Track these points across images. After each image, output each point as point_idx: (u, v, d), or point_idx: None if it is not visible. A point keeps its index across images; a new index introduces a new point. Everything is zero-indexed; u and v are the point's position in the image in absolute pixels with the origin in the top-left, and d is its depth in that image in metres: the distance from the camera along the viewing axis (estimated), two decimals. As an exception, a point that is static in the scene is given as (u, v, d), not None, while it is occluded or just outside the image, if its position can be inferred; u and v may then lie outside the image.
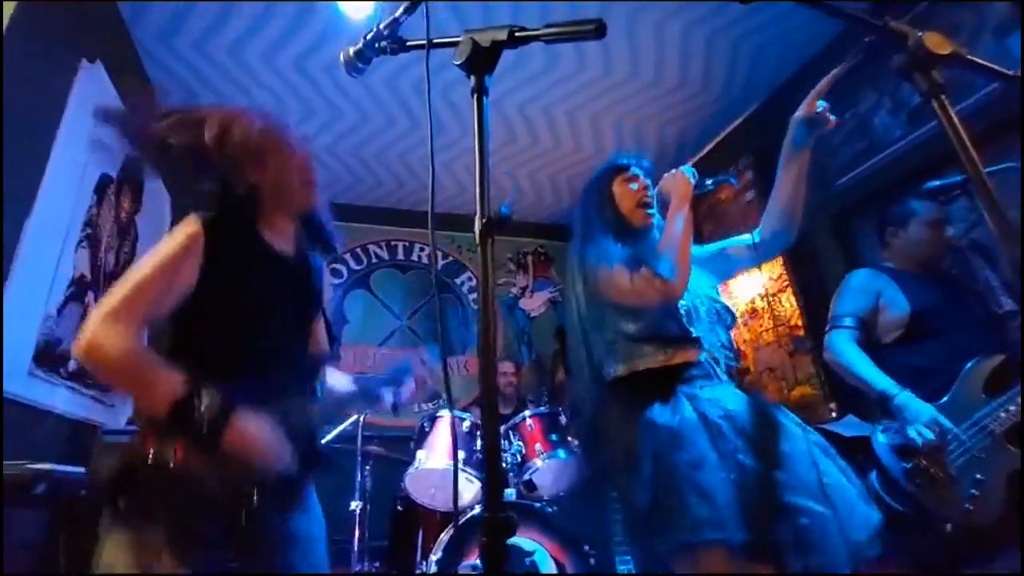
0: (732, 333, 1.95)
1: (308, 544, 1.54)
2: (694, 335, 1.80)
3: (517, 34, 0.95)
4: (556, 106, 4.59)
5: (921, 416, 2.20)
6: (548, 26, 0.93)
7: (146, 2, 3.47)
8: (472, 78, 0.96)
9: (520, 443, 3.20)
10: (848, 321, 2.55)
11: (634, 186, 2.01)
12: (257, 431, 1.32)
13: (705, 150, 5.16)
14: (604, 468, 1.80)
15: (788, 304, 4.22)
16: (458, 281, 6.12)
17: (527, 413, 3.30)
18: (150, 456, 1.29)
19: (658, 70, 4.22)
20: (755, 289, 4.54)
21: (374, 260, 5.99)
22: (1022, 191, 1.94)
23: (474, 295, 6.02)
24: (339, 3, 3.48)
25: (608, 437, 1.77)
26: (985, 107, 2.81)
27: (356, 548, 3.23)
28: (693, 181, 1.88)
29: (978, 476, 2.09)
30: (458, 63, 0.97)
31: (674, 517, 1.53)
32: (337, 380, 1.80)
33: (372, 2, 3.44)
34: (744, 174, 4.64)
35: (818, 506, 1.46)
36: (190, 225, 1.42)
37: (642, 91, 4.43)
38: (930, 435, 2.15)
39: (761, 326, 4.47)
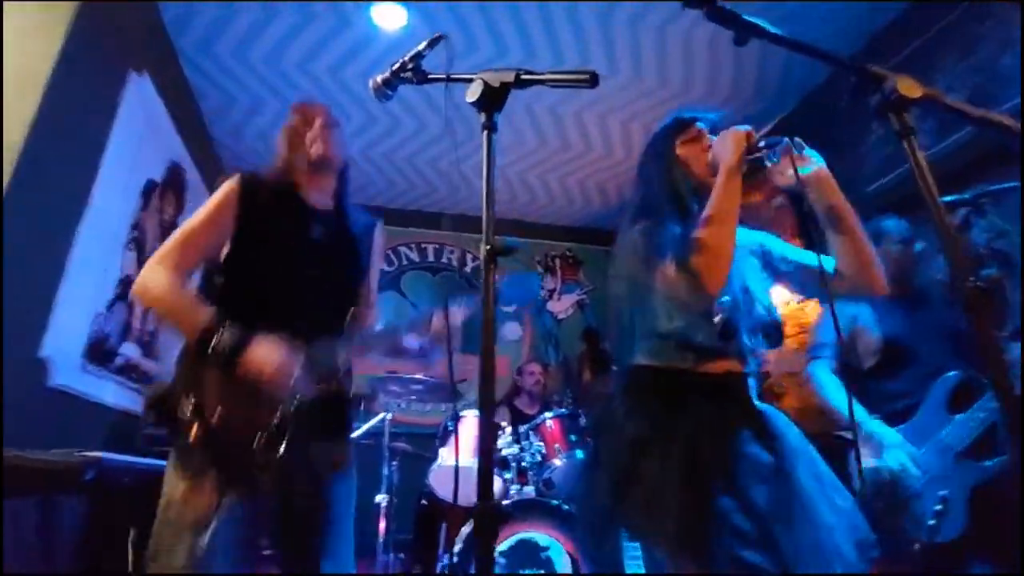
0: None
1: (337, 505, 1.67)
2: (731, 347, 1.58)
3: (523, 77, 1.04)
4: (586, 111, 4.65)
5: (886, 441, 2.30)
6: (551, 72, 1.04)
7: (189, 1, 3.61)
8: (482, 115, 1.06)
9: (540, 443, 3.32)
10: (826, 351, 2.65)
11: (700, 148, 1.70)
12: (270, 355, 1.47)
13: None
14: (596, 455, 1.69)
15: (813, 312, 4.21)
16: (486, 282, 6.19)
17: (548, 415, 3.40)
18: (189, 400, 1.48)
19: (686, 78, 4.25)
20: (779, 296, 4.52)
21: (405, 262, 6.12)
22: (1022, 211, 1.96)
23: (503, 296, 6.10)
24: (373, 13, 3.59)
25: (609, 426, 1.64)
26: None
27: (382, 539, 3.36)
28: (747, 142, 1.53)
29: (941, 492, 2.14)
30: (470, 101, 1.07)
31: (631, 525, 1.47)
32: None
33: (405, 11, 3.56)
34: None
35: (774, 568, 1.28)
36: (229, 182, 1.65)
37: (672, 98, 4.45)
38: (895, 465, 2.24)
39: (785, 333, 4.46)
